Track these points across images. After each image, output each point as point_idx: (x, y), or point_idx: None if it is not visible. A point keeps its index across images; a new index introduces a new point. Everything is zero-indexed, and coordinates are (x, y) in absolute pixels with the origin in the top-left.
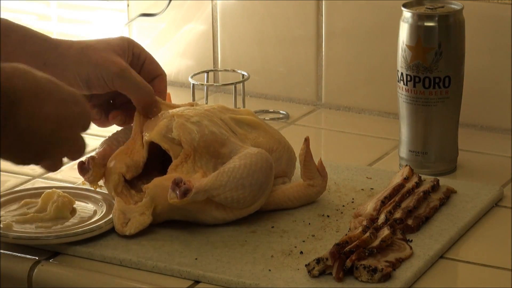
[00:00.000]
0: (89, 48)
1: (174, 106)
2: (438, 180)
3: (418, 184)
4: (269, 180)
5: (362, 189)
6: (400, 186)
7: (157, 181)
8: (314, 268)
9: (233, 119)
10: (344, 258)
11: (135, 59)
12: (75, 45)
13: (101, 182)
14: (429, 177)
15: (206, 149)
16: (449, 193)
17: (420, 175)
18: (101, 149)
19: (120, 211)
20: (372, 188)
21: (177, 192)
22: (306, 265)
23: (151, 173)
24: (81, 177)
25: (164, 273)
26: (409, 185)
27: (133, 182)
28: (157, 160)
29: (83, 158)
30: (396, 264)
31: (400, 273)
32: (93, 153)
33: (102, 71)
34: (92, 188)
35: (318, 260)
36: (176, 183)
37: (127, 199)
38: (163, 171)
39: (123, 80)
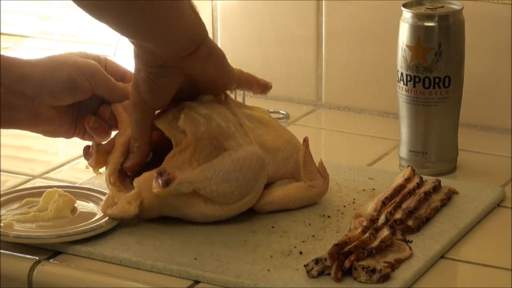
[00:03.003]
0: (58, 58)
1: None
2: (440, 181)
3: (420, 185)
4: (258, 177)
5: (364, 190)
6: (401, 187)
7: (146, 175)
8: (312, 268)
9: (245, 113)
10: (343, 258)
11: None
12: (41, 61)
13: (102, 170)
14: (430, 177)
15: (210, 141)
16: (451, 194)
17: (421, 175)
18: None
19: (110, 195)
20: (373, 189)
21: (159, 181)
22: (304, 266)
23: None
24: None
25: (164, 273)
26: (410, 185)
27: (131, 176)
28: (160, 159)
29: (89, 143)
30: (395, 265)
31: (399, 274)
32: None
33: (83, 70)
34: (93, 187)
35: (316, 261)
36: (160, 173)
37: (120, 189)
38: None
39: (102, 75)
